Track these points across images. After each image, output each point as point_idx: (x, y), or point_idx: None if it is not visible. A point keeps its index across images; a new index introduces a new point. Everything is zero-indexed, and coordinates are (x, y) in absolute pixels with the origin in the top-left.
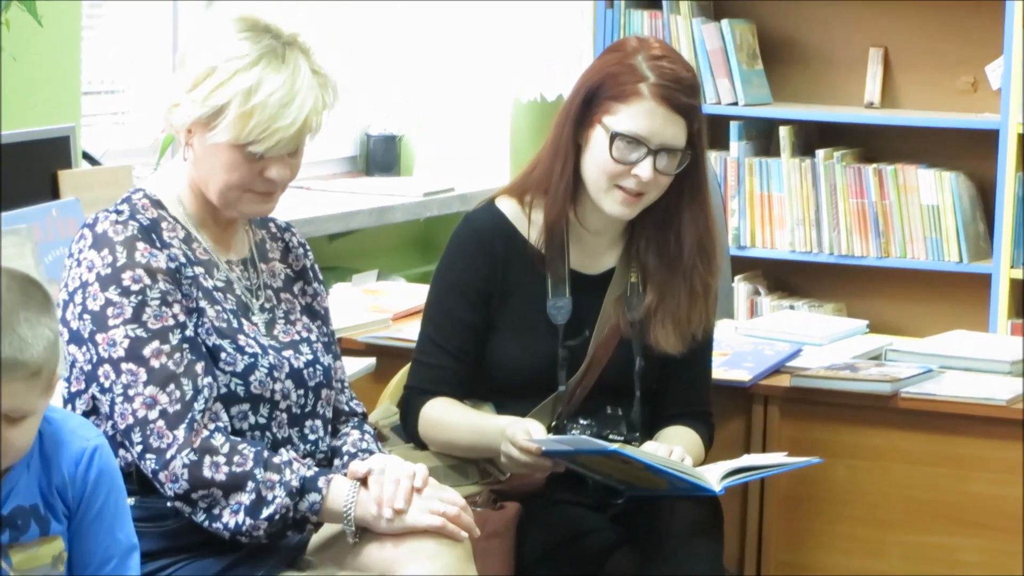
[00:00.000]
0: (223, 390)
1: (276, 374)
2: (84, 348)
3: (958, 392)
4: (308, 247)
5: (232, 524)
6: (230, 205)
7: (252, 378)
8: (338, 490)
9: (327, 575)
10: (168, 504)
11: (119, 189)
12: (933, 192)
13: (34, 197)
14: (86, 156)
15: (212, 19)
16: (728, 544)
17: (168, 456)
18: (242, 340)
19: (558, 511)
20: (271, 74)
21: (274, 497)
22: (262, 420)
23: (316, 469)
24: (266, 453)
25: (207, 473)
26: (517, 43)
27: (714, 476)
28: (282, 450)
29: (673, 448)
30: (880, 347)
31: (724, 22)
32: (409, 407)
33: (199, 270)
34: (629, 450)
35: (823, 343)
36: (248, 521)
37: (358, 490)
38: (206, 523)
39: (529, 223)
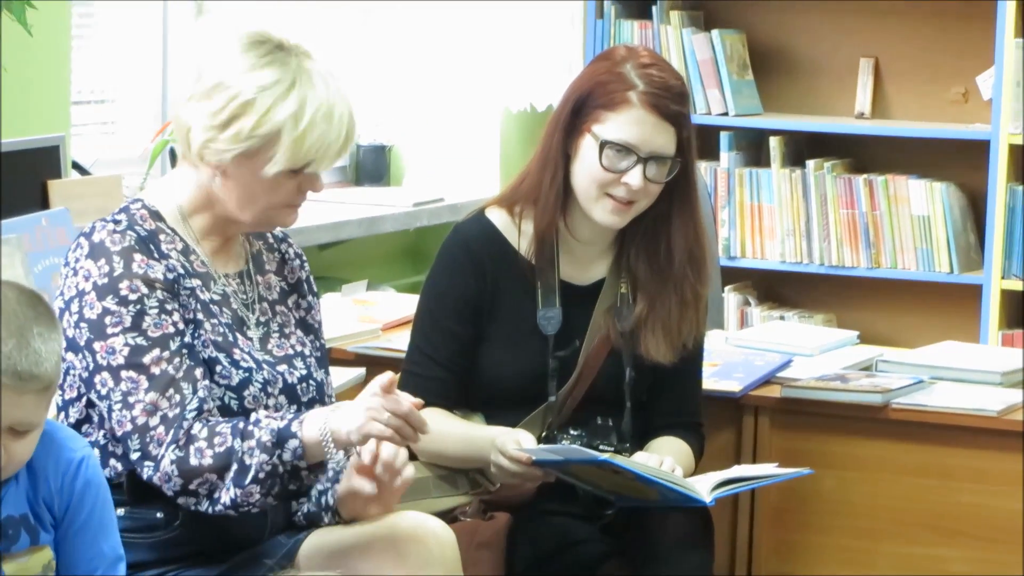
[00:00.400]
0: (217, 403)
1: (270, 389)
2: (80, 356)
3: (949, 403)
4: (304, 258)
5: (228, 500)
6: (267, 222)
7: (246, 392)
8: (311, 424)
9: None
10: (158, 515)
11: (109, 199)
12: (924, 202)
13: (24, 207)
14: (76, 166)
15: (220, 43)
16: (718, 555)
17: (159, 458)
18: (237, 354)
19: (548, 521)
20: (308, 93)
21: (251, 460)
22: None
23: (289, 417)
24: (240, 424)
25: (194, 462)
26: (507, 53)
27: (704, 487)
28: (253, 413)
29: (663, 459)
30: (871, 358)
31: (714, 32)
32: None
33: (196, 282)
34: (619, 460)
35: (813, 354)
36: (238, 492)
37: (327, 416)
38: (210, 509)
39: (519, 233)
